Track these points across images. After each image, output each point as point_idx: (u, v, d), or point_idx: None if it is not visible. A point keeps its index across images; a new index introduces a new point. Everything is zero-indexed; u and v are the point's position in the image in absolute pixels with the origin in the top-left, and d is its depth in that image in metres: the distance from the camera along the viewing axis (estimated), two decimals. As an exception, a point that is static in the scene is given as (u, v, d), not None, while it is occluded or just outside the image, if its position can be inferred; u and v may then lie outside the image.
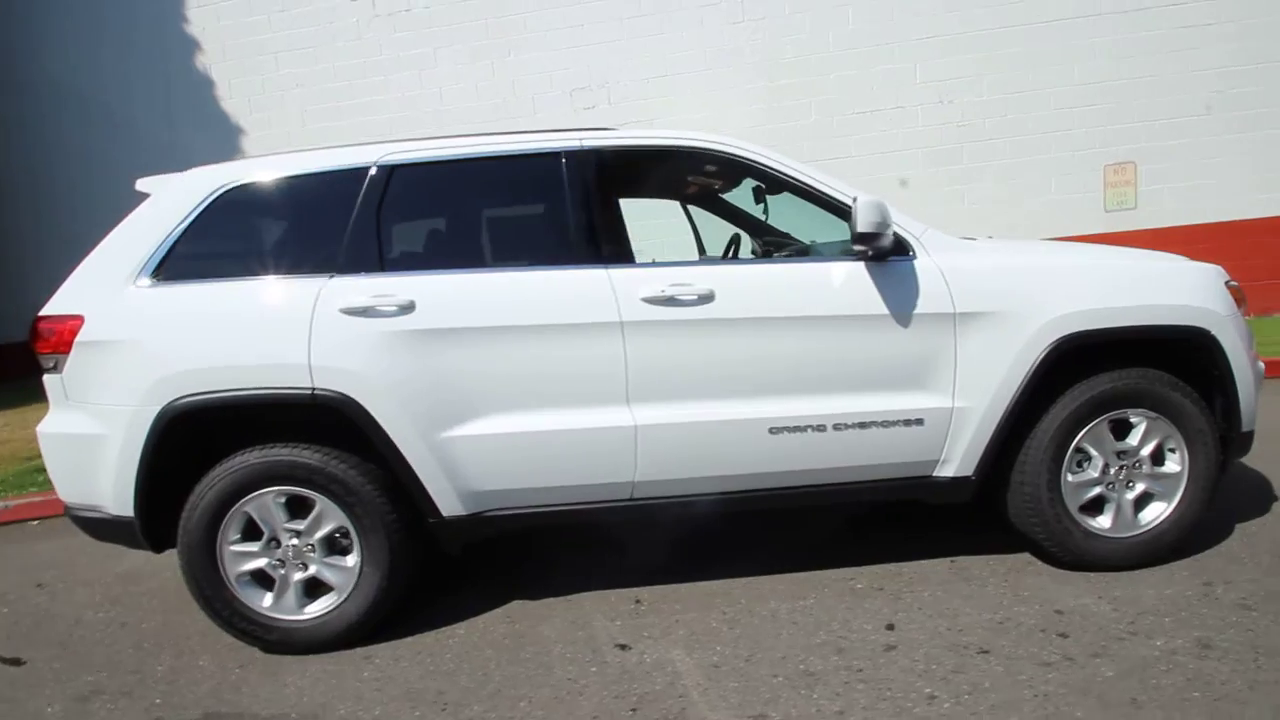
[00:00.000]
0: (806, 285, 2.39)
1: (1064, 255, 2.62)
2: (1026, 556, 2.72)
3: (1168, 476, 2.52)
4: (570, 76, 6.92)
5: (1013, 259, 2.53)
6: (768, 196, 3.05)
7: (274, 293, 2.36)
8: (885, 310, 2.36)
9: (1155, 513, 2.53)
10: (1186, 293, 2.45)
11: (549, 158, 2.47)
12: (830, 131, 6.42)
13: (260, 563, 2.42)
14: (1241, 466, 3.33)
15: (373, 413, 2.30)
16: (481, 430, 2.36)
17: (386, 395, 2.31)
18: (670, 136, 2.53)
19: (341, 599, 2.42)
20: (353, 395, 2.30)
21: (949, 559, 2.75)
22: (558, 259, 2.41)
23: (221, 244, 2.48)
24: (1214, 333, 2.43)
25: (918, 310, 2.36)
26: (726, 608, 2.53)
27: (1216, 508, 2.69)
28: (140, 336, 2.34)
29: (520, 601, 2.71)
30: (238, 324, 2.33)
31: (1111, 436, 2.49)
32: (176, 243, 2.42)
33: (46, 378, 2.47)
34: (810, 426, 2.39)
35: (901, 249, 2.40)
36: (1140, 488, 2.52)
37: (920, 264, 2.40)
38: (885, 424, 2.40)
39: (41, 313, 2.48)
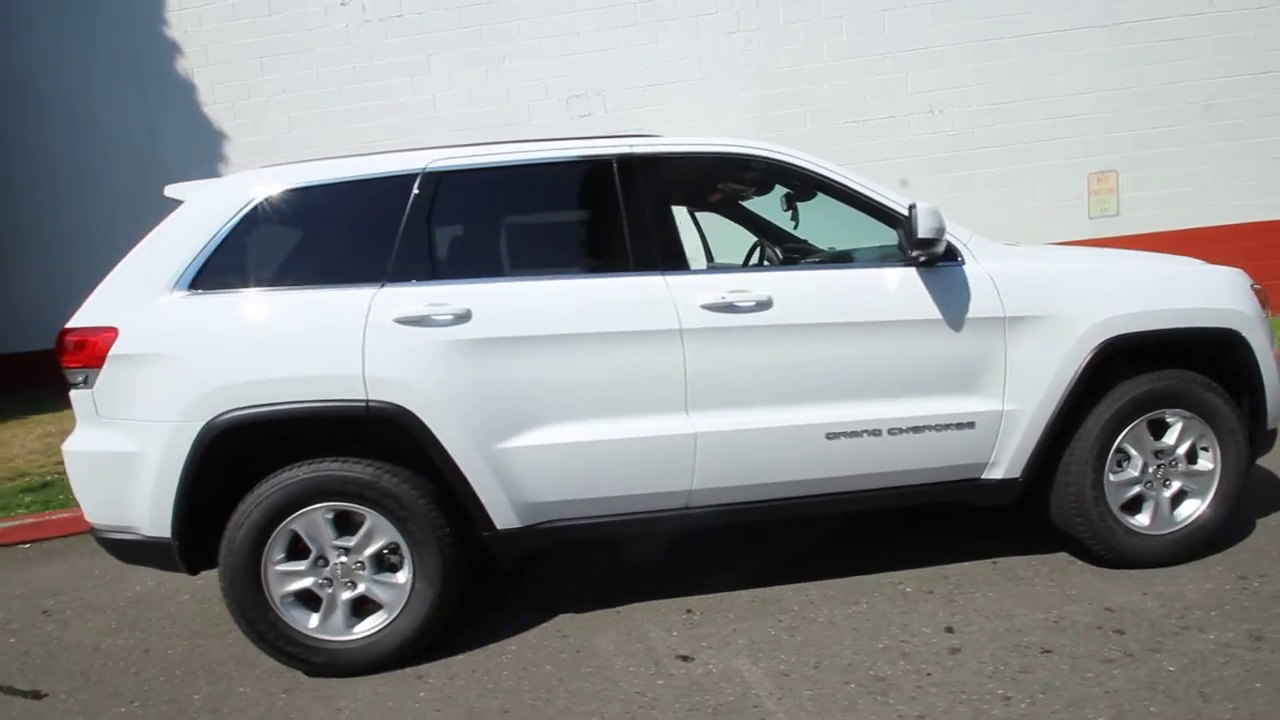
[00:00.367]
0: (862, 291, 2.42)
1: (1102, 260, 2.70)
2: (1065, 556, 2.77)
3: (1202, 474, 2.60)
4: (566, 84, 6.90)
5: (1055, 264, 2.59)
6: (798, 203, 3.09)
7: (323, 302, 2.29)
8: (939, 315, 2.40)
9: (1190, 509, 2.61)
10: (1219, 296, 2.55)
11: (600, 163, 2.45)
12: (824, 140, 6.51)
13: (306, 582, 2.33)
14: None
15: (429, 425, 2.25)
16: (538, 441, 2.32)
17: (443, 407, 2.25)
18: (722, 143, 2.54)
19: (392, 617, 2.35)
20: (408, 407, 2.24)
21: (990, 560, 2.79)
22: (613, 266, 2.39)
23: (262, 252, 2.40)
24: (1244, 334, 2.53)
25: (969, 315, 2.40)
26: (781, 615, 2.53)
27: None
28: (181, 349, 2.24)
29: (567, 615, 2.66)
30: (286, 335, 2.26)
31: (1150, 436, 2.56)
32: (216, 251, 2.33)
33: (74, 394, 2.35)
34: (866, 431, 2.40)
35: (950, 254, 2.45)
36: (1176, 486, 2.60)
37: (969, 269, 2.45)
38: (938, 427, 2.43)
39: (69, 325, 2.36)
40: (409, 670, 2.38)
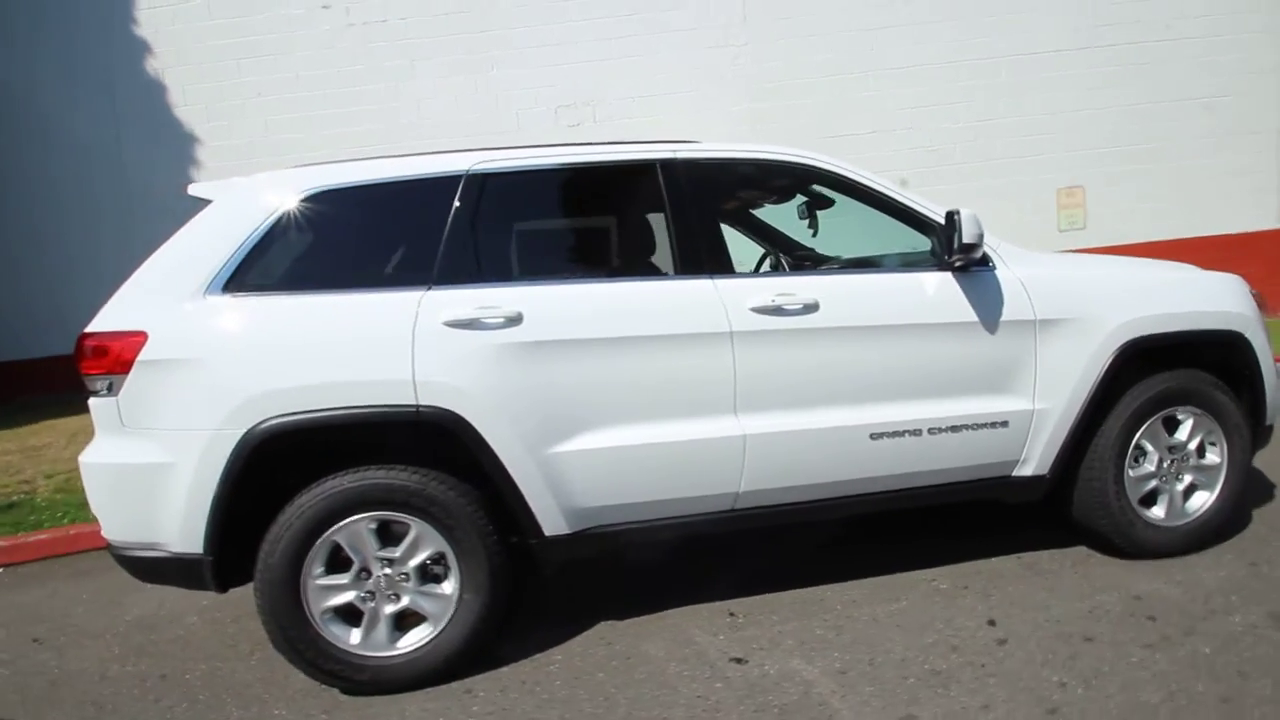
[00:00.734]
0: (903, 294, 2.48)
1: (1116, 266, 2.85)
2: (1083, 549, 2.88)
3: (1210, 468, 2.75)
4: (555, 93, 6.90)
5: (1077, 269, 2.72)
6: (817, 212, 3.16)
7: (369, 306, 2.22)
8: (975, 318, 2.48)
9: (1200, 501, 2.75)
10: (1224, 300, 2.71)
11: (644, 167, 2.46)
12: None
13: (348, 596, 2.24)
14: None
15: (479, 429, 2.20)
16: (589, 445, 2.29)
17: (494, 411, 2.21)
18: (763, 149, 2.58)
19: (438, 629, 2.27)
20: (459, 412, 2.19)
21: (1015, 555, 2.88)
22: (660, 269, 2.39)
23: (299, 254, 2.32)
24: (1247, 335, 2.70)
25: (1003, 318, 2.50)
26: (825, 615, 2.55)
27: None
28: (218, 353, 2.14)
29: (607, 622, 2.62)
30: (330, 339, 2.18)
31: (1165, 432, 2.70)
32: (251, 252, 2.24)
33: (94, 402, 2.22)
34: (908, 431, 2.46)
35: (983, 260, 2.54)
36: (1188, 479, 2.74)
37: (1001, 274, 2.55)
38: (974, 426, 2.51)
39: (90, 329, 2.23)
40: (456, 685, 2.30)
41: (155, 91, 6.92)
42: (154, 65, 6.92)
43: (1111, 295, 2.60)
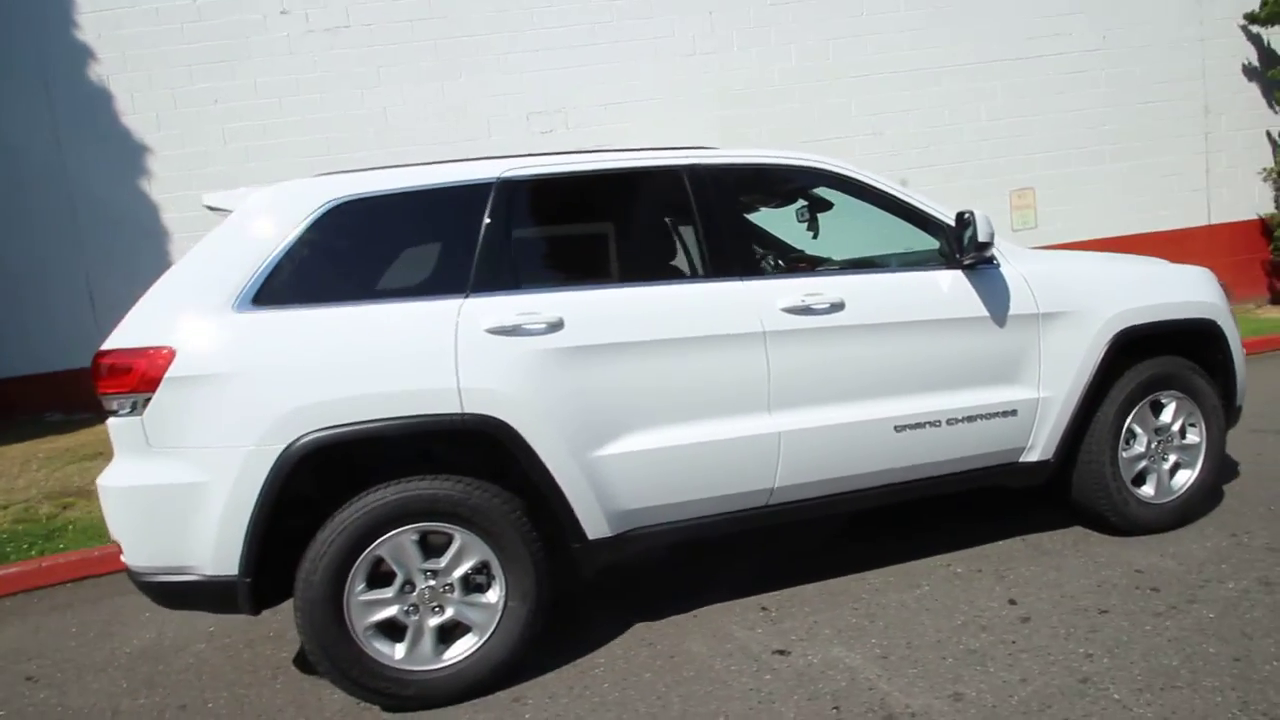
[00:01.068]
0: (920, 292, 2.60)
1: (1101, 261, 3.04)
2: (1079, 529, 3.06)
3: (1191, 447, 2.97)
4: (526, 100, 6.88)
5: (1069, 265, 2.90)
6: (818, 214, 3.27)
7: (408, 315, 2.19)
8: (985, 312, 2.62)
9: (1184, 479, 2.97)
10: (1200, 291, 2.94)
11: (670, 173, 2.51)
12: (777, 159, 6.85)
13: (392, 611, 2.20)
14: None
15: (524, 435, 2.20)
16: (630, 447, 2.32)
17: (538, 416, 2.21)
18: (779, 155, 2.67)
19: (483, 640, 2.25)
20: (504, 419, 2.18)
21: (1019, 537, 3.04)
22: (694, 272, 2.44)
23: (330, 264, 2.26)
24: (1220, 323, 2.93)
25: (1011, 312, 2.64)
26: (854, 604, 2.64)
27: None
28: (254, 368, 2.08)
29: (642, 623, 2.65)
30: (371, 350, 2.14)
31: (1152, 416, 2.90)
32: (280, 264, 2.18)
33: (115, 422, 2.11)
34: (929, 423, 2.58)
35: (989, 257, 2.68)
36: (1172, 459, 2.96)
37: (1006, 271, 2.70)
38: (988, 416, 2.65)
39: (108, 346, 2.13)
40: (503, 694, 2.29)
41: (99, 99, 6.57)
42: (98, 71, 6.57)
43: (1103, 289, 2.78)
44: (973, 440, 2.66)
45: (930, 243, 2.77)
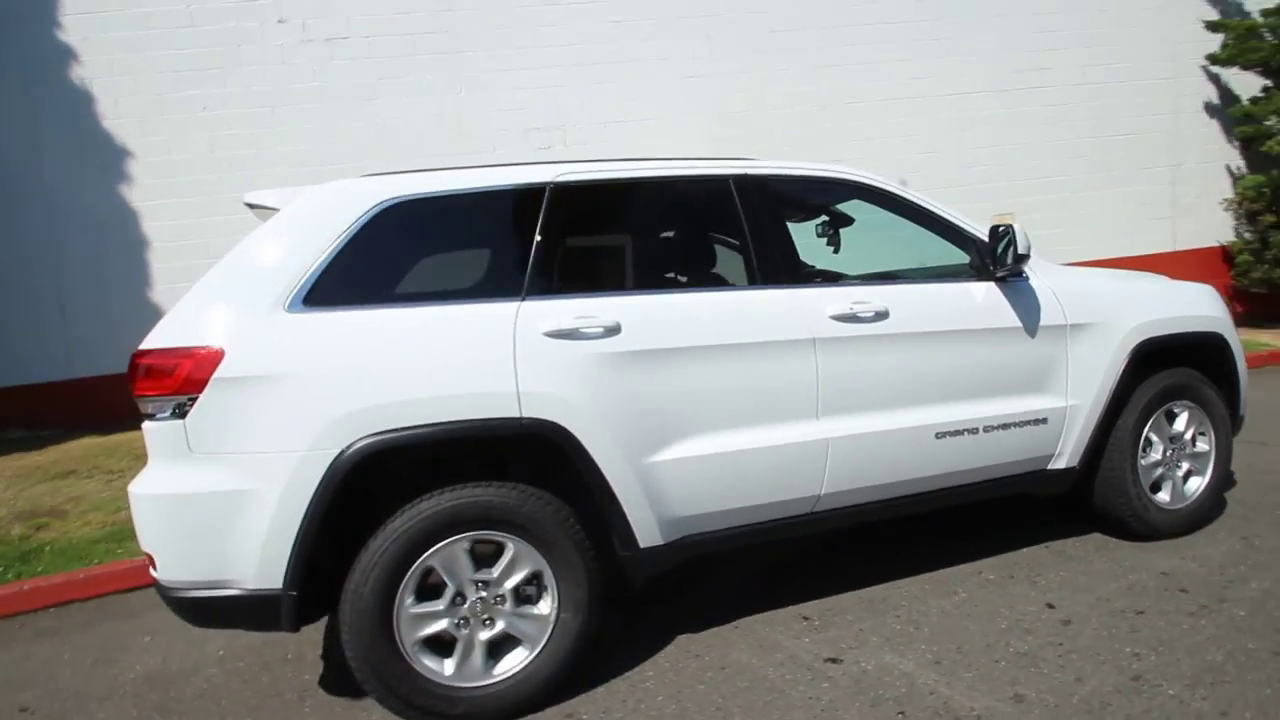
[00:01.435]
0: (958, 302, 2.67)
1: (1118, 278, 3.17)
2: (1097, 535, 3.14)
3: (1201, 455, 3.09)
4: (525, 117, 6.88)
5: (1091, 280, 3.01)
6: (840, 229, 3.34)
7: (465, 317, 2.14)
8: (1019, 323, 2.70)
9: (1195, 485, 3.08)
10: (1207, 305, 3.08)
11: (718, 182, 2.53)
12: (768, 180, 6.99)
13: (442, 624, 2.11)
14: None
15: (582, 440, 2.16)
16: (685, 453, 2.30)
17: (595, 421, 2.18)
18: (820, 167, 2.72)
19: (535, 653, 2.18)
20: (562, 423, 2.14)
21: (1043, 545, 3.10)
22: (742, 280, 2.46)
23: (382, 265, 2.21)
24: (1225, 336, 3.07)
25: (1042, 323, 2.73)
26: (895, 612, 2.64)
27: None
28: (307, 369, 2.00)
29: (684, 635, 2.60)
30: (429, 352, 2.08)
31: (1166, 424, 3.01)
32: (332, 263, 2.11)
33: (152, 426, 2.00)
34: (966, 430, 2.62)
35: (1019, 270, 2.77)
36: (1185, 466, 3.07)
37: (1035, 283, 2.79)
38: (1021, 424, 2.71)
39: (146, 346, 2.03)
40: (553, 710, 2.21)
41: (81, 102, 6.33)
42: (81, 74, 6.34)
43: (1124, 302, 2.90)
44: (1006, 448, 2.71)
45: (948, 256, 2.85)
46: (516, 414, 2.10)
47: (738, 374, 2.34)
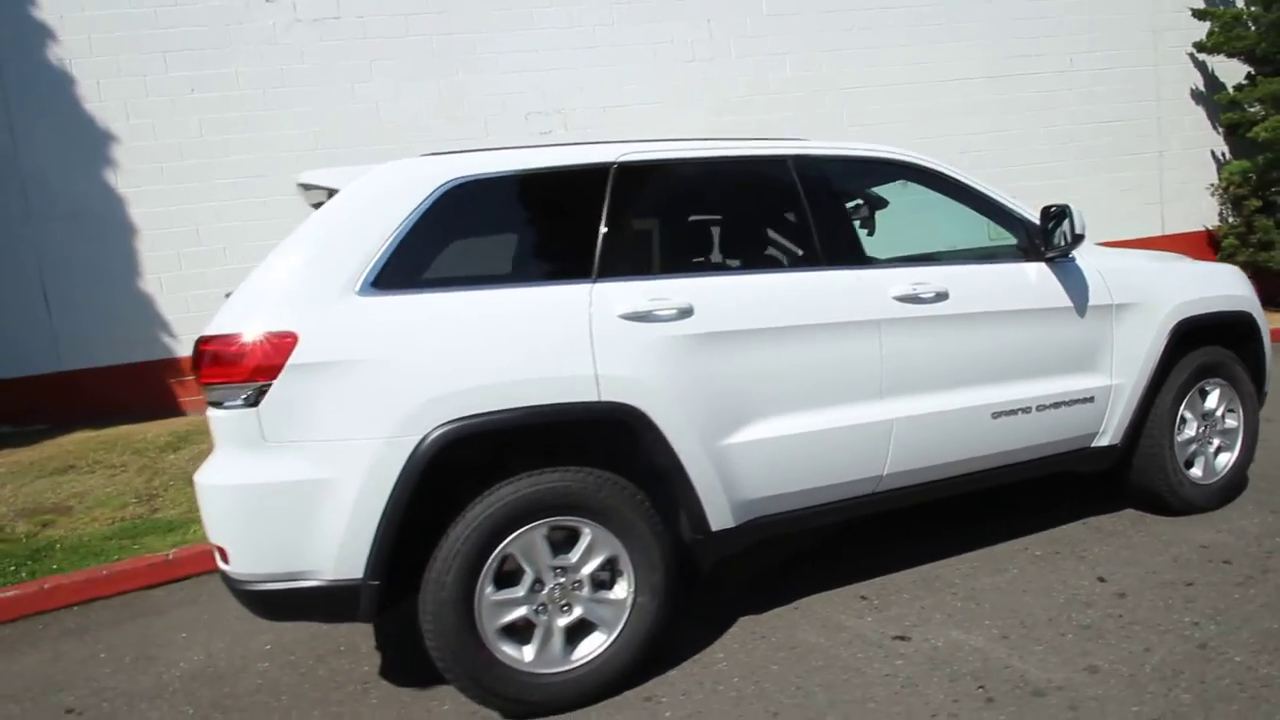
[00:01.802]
0: (1012, 283, 2.69)
1: (1154, 258, 3.23)
2: (1131, 511, 3.22)
3: (1230, 431, 3.17)
4: (524, 100, 6.76)
5: (1134, 260, 3.06)
6: (875, 211, 3.35)
7: (540, 300, 2.10)
8: (1069, 303, 2.73)
9: (1225, 461, 3.17)
10: (1236, 286, 3.16)
11: (778, 162, 2.51)
12: (771, 166, 6.98)
13: (521, 611, 2.08)
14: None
15: (658, 423, 2.14)
16: (756, 435, 2.29)
17: (670, 404, 2.15)
18: (872, 148, 2.71)
19: (612, 637, 2.17)
20: (639, 406, 2.11)
21: (1080, 522, 3.17)
22: (808, 261, 2.45)
23: (450, 246, 2.15)
24: (1254, 315, 3.16)
25: (1090, 302, 2.77)
26: (951, 590, 2.67)
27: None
28: (385, 354, 1.94)
29: (746, 617, 2.60)
30: (508, 335, 2.03)
31: (1200, 401, 3.09)
32: (400, 245, 2.05)
33: (221, 415, 1.93)
34: (1020, 409, 2.66)
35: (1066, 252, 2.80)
36: (1217, 442, 3.15)
37: (1083, 264, 2.82)
38: (1070, 402, 2.76)
39: (212, 332, 1.94)
40: (630, 694, 2.20)
41: (60, 84, 6.04)
42: (59, 54, 6.05)
43: (1163, 282, 2.96)
44: (1057, 426, 2.76)
45: (976, 238, 2.88)
46: (595, 397, 2.07)
47: (807, 356, 2.34)
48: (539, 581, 2.10)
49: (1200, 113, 7.93)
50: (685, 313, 2.20)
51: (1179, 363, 3.00)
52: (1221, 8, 7.65)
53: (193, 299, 6.35)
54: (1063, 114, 7.54)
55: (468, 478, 2.05)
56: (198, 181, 6.31)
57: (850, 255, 2.50)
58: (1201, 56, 7.78)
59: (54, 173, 6.11)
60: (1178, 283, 3.00)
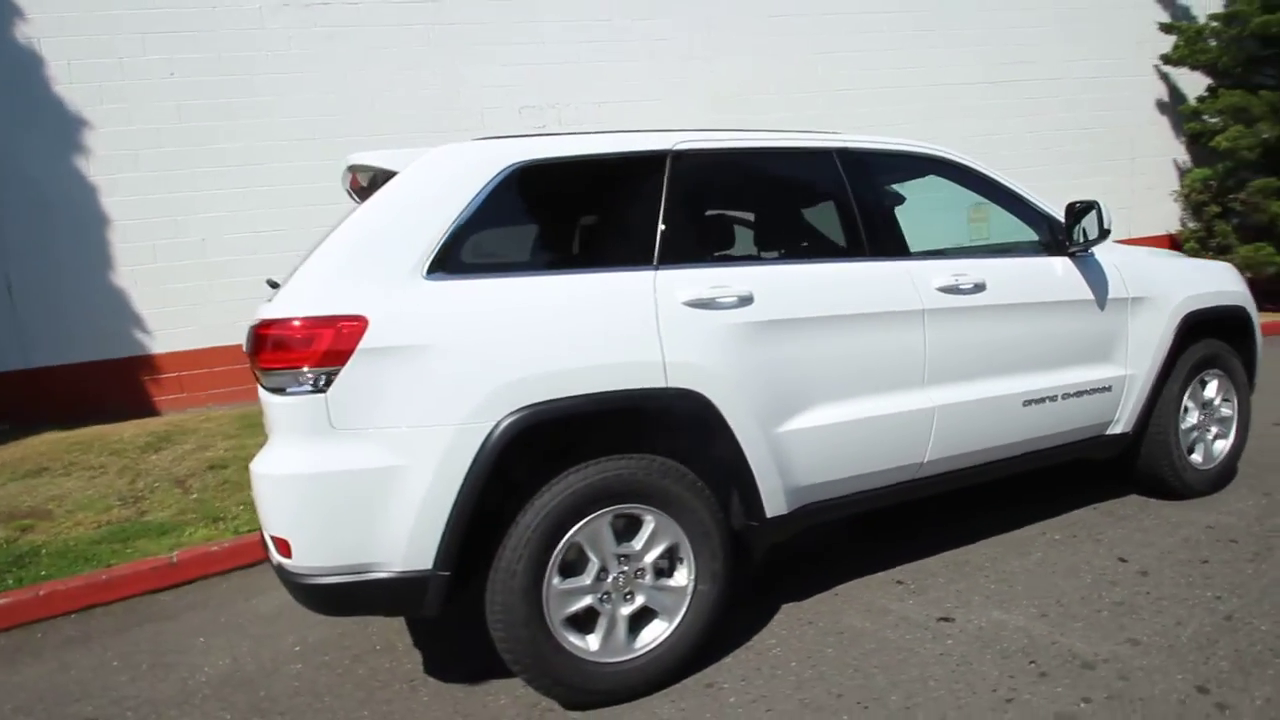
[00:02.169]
0: (1043, 276, 2.79)
1: (1161, 255, 3.39)
2: (1136, 497, 3.37)
3: (1226, 419, 3.35)
4: (519, 94, 6.69)
5: (1144, 257, 3.21)
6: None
7: (605, 285, 2.08)
8: (1091, 296, 2.85)
9: (1221, 447, 3.35)
10: (1232, 281, 3.34)
11: (822, 154, 2.54)
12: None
13: (587, 600, 2.07)
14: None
15: (722, 410, 2.15)
16: (810, 423, 2.32)
17: (732, 391, 2.16)
18: (908, 143, 2.78)
19: (674, 625, 2.16)
20: (704, 392, 2.12)
21: (1090, 507, 3.30)
22: (856, 251, 2.49)
23: (513, 230, 2.12)
24: (1248, 310, 3.35)
25: (1110, 295, 2.89)
26: (982, 573, 2.75)
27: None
28: (454, 339, 1.90)
29: (790, 604, 2.63)
30: (577, 321, 2.01)
31: (1200, 391, 3.26)
32: (463, 228, 2.01)
33: (285, 402, 1.86)
34: (1048, 397, 2.76)
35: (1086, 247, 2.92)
36: (1214, 430, 3.33)
37: (1101, 259, 2.95)
38: (1090, 391, 2.87)
39: (273, 315, 1.87)
40: (690, 682, 2.20)
41: (28, 65, 5.72)
42: (26, 33, 5.72)
43: (1171, 277, 3.11)
44: (1078, 414, 2.87)
45: (985, 233, 2.98)
46: (663, 384, 2.07)
47: (858, 344, 2.38)
48: (604, 570, 2.08)
49: (1165, 122, 8.36)
50: (746, 300, 2.21)
51: (1183, 354, 3.16)
52: (1186, 23, 8.08)
53: (169, 293, 6.09)
54: (1049, 120, 7.86)
55: (529, 465, 2.02)
56: (176, 170, 6.05)
57: (895, 246, 2.56)
58: (1166, 69, 8.20)
59: (19, 159, 5.78)
60: (1184, 278, 3.16)
